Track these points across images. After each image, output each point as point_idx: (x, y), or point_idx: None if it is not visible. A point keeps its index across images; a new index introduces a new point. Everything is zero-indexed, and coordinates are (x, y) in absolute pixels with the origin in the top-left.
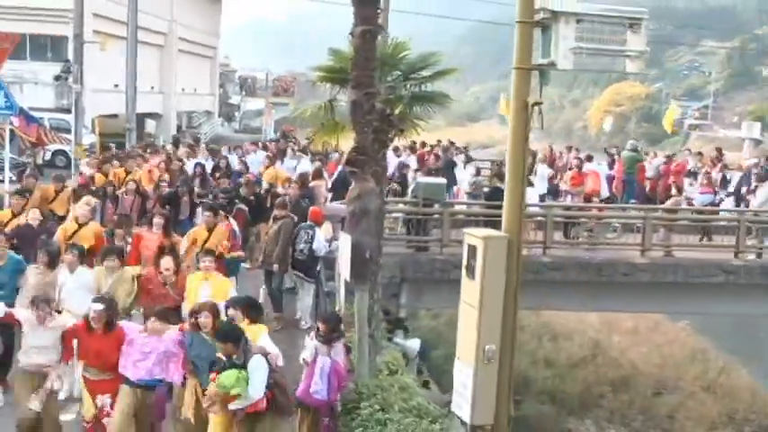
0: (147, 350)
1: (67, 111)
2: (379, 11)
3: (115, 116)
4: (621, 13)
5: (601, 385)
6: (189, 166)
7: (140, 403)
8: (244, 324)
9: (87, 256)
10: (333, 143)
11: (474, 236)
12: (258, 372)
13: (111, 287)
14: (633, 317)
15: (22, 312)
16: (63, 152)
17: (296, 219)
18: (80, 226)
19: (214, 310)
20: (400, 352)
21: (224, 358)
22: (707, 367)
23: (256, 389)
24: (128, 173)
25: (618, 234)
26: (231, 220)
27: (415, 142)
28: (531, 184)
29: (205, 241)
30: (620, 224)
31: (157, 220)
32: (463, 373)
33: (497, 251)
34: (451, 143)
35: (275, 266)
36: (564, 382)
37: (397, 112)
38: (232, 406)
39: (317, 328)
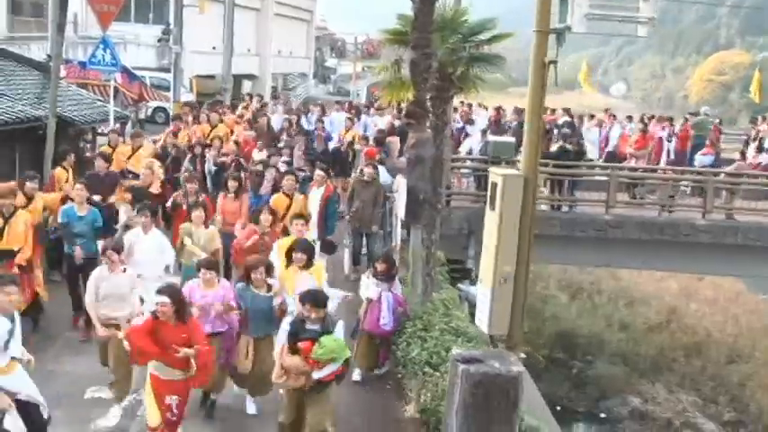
0: (207, 303)
1: (167, 70)
2: None
3: (212, 77)
4: None
5: (674, 350)
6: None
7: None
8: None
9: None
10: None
11: (496, 174)
12: (342, 338)
13: (204, 245)
14: (713, 286)
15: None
16: (163, 109)
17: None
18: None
19: (270, 266)
20: (463, 297)
21: (314, 326)
22: None
23: (347, 356)
24: (213, 127)
25: (680, 196)
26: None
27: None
28: (581, 151)
29: (288, 208)
30: (689, 186)
31: (232, 184)
32: (483, 293)
33: (515, 187)
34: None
35: (374, 228)
36: (637, 346)
37: (458, 72)
38: (318, 374)
39: (376, 268)
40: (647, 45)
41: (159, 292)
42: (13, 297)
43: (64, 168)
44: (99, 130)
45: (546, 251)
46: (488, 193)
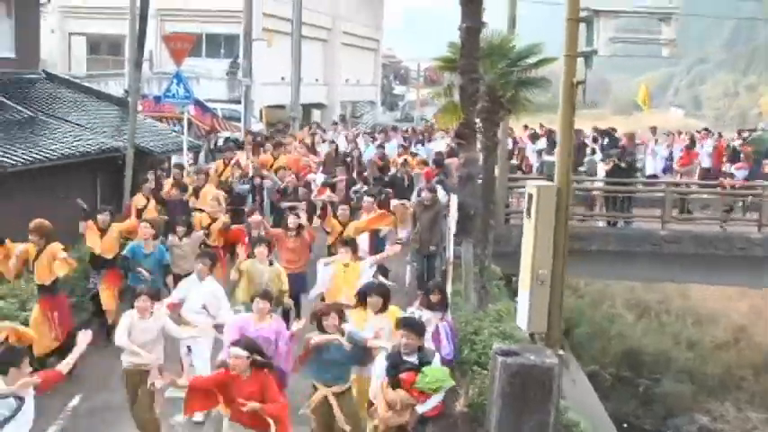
0: (261, 336)
1: (238, 102)
2: (482, 8)
3: (282, 107)
4: (654, 9)
5: (742, 368)
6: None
7: None
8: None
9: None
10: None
11: (531, 186)
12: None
13: (268, 283)
14: None
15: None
16: (234, 139)
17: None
18: (212, 220)
19: (341, 312)
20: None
21: (411, 358)
22: None
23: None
24: (275, 159)
25: (735, 210)
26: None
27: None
28: (634, 168)
29: (340, 234)
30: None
31: (293, 220)
32: (522, 294)
33: (548, 198)
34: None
35: (432, 249)
36: (705, 364)
37: (508, 95)
38: (422, 407)
39: (430, 299)
40: (719, 64)
41: (235, 344)
42: (25, 380)
43: (144, 196)
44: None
45: (603, 267)
46: (525, 204)
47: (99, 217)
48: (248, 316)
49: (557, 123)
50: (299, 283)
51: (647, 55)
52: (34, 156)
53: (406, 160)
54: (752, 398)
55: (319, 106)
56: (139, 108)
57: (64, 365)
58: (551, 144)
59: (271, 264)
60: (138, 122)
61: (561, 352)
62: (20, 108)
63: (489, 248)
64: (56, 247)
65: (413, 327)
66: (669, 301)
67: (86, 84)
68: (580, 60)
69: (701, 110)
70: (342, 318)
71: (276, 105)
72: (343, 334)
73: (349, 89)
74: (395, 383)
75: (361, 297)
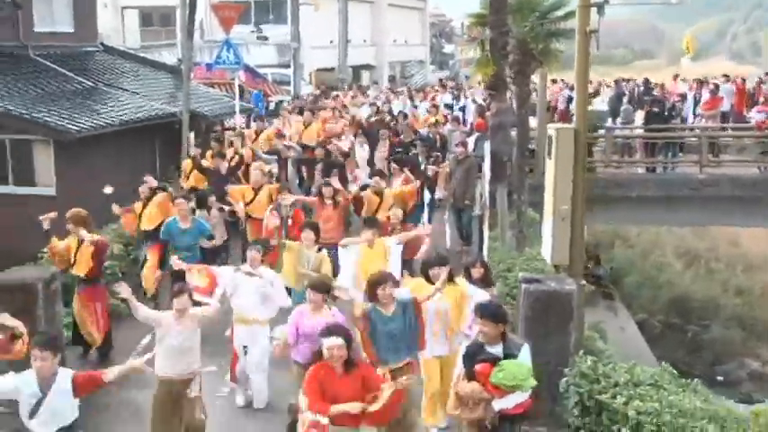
0: (312, 331)
1: (288, 66)
2: None
3: (331, 69)
4: None
5: None
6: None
7: None
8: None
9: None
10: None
11: (552, 128)
12: (530, 364)
13: (315, 266)
14: None
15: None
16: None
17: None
18: (255, 192)
19: (395, 281)
20: None
21: (494, 349)
22: None
23: (532, 384)
24: (306, 126)
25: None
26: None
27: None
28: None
29: (379, 205)
30: None
31: (327, 190)
32: (546, 229)
33: (567, 139)
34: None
35: (467, 203)
36: (754, 310)
37: (539, 47)
38: (499, 403)
39: (471, 275)
40: None
41: (329, 332)
42: (46, 363)
43: (191, 163)
44: (226, 125)
45: (643, 212)
46: (546, 145)
47: (140, 189)
48: (303, 308)
49: (649, 75)
50: (336, 255)
51: (654, 2)
52: (97, 122)
53: (436, 121)
54: None
55: (368, 68)
56: (192, 76)
57: (110, 373)
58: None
59: (319, 250)
60: (191, 89)
61: (583, 282)
62: (81, 79)
63: (525, 195)
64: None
65: (490, 314)
66: (718, 248)
67: (141, 54)
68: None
69: (760, 56)
70: (397, 286)
71: (325, 68)
72: (393, 300)
73: (397, 49)
74: (471, 375)
75: (424, 273)
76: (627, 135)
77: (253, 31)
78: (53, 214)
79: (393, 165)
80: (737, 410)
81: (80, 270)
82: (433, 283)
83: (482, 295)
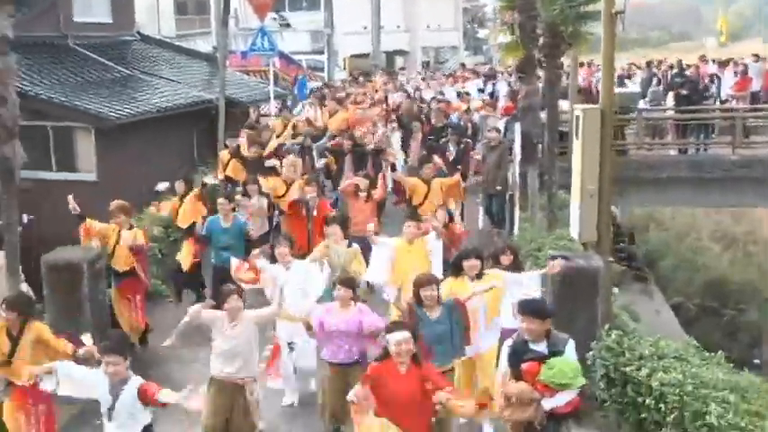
0: (341, 329)
1: (321, 52)
2: None
3: (365, 55)
4: None
5: None
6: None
7: (343, 384)
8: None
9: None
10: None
11: (578, 108)
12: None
13: (344, 265)
14: None
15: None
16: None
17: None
18: (288, 186)
19: (438, 282)
20: None
21: (538, 347)
22: None
23: (582, 383)
24: (331, 115)
25: None
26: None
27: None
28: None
29: (426, 195)
30: None
31: (361, 184)
32: (574, 207)
33: (593, 119)
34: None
35: (498, 188)
36: None
37: (569, 30)
38: (549, 402)
39: (500, 261)
40: None
41: (394, 327)
42: (118, 368)
43: (229, 153)
44: (262, 112)
45: (675, 194)
46: (573, 125)
47: (176, 185)
48: (330, 305)
49: (626, 58)
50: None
51: None
52: (136, 109)
53: (468, 108)
54: None
55: (401, 53)
56: (227, 63)
57: (163, 396)
58: (620, 78)
59: (349, 245)
60: (227, 76)
61: (611, 259)
62: (119, 68)
63: (556, 176)
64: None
65: (534, 310)
66: (757, 231)
67: (177, 43)
68: None
69: None
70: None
71: (359, 54)
72: (439, 302)
73: (430, 35)
74: (517, 374)
75: (456, 264)
76: (657, 117)
77: (275, 19)
78: (71, 200)
79: (423, 152)
80: (759, 382)
81: (118, 264)
82: (466, 275)
83: (528, 279)
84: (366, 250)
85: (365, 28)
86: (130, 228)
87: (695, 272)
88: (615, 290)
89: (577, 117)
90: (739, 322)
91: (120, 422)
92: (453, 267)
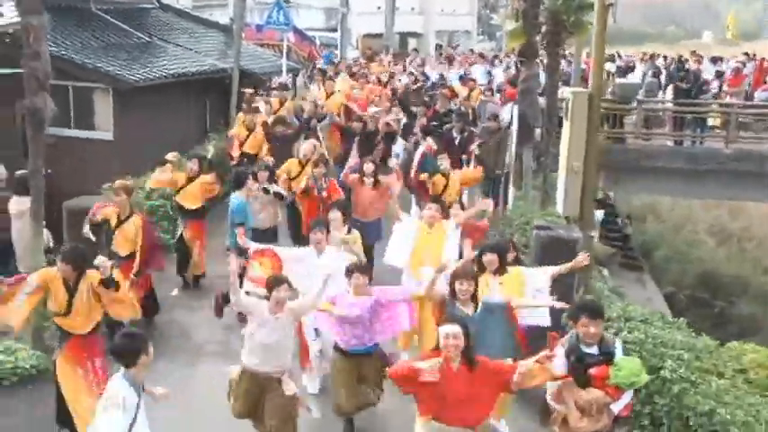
0: (356, 313)
1: (335, 30)
2: None
3: (379, 36)
4: None
5: None
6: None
7: (354, 373)
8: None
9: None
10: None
11: (568, 92)
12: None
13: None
14: None
15: (245, 300)
16: (333, 62)
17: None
18: (302, 166)
19: (476, 277)
20: None
21: (590, 349)
22: None
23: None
24: (329, 95)
25: None
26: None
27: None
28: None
29: (445, 187)
30: None
31: (368, 169)
32: (560, 184)
33: (581, 102)
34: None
35: (498, 172)
36: None
37: (571, 19)
38: (617, 406)
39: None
40: None
41: (449, 321)
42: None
43: (246, 128)
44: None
45: (669, 184)
46: (564, 107)
47: (188, 164)
48: (343, 292)
49: (630, 50)
50: (374, 232)
51: None
52: (153, 74)
53: (470, 94)
54: None
55: (415, 35)
56: (243, 36)
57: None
58: (622, 70)
59: (349, 231)
60: (241, 48)
61: (594, 233)
62: (138, 34)
63: (551, 159)
64: (138, 221)
65: (597, 311)
66: (753, 227)
67: (194, 14)
68: None
69: None
70: (477, 285)
71: (373, 34)
72: (477, 305)
73: (445, 19)
74: (585, 382)
75: (478, 260)
76: (654, 108)
77: None
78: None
79: (419, 131)
80: (714, 345)
81: (120, 248)
82: (486, 270)
83: (539, 276)
84: (368, 236)
85: (379, 8)
86: (130, 214)
87: (689, 263)
88: (605, 271)
89: (567, 100)
90: (729, 314)
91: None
92: (477, 263)
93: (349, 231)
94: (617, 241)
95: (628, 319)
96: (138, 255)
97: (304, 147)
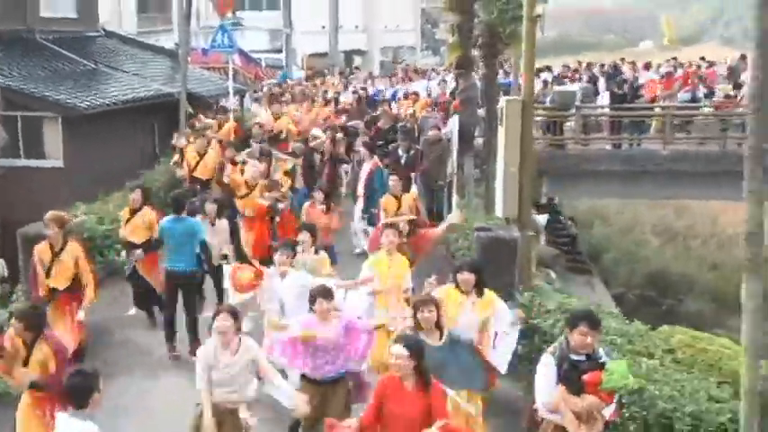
0: (323, 342)
1: (280, 51)
2: None
3: (324, 54)
4: None
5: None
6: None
7: (326, 401)
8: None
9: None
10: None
11: (502, 100)
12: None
13: (311, 269)
14: None
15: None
16: (279, 85)
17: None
18: (250, 189)
19: (439, 304)
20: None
21: (580, 357)
22: None
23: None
24: (276, 119)
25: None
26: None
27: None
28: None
29: (398, 209)
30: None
31: (318, 196)
32: (498, 187)
33: (515, 109)
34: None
35: (440, 183)
36: (728, 285)
37: (507, 31)
38: (608, 411)
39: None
40: None
41: (397, 341)
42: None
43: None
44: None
45: (610, 186)
46: (499, 114)
47: (131, 196)
48: (308, 318)
49: (570, 60)
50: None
51: None
52: (102, 100)
53: (414, 111)
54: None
55: (360, 53)
56: (189, 60)
57: None
58: (558, 78)
59: (317, 252)
60: (188, 71)
61: (532, 233)
62: (85, 61)
63: (493, 165)
64: (77, 249)
65: (597, 322)
66: (697, 226)
67: (140, 39)
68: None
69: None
70: (439, 309)
71: (318, 53)
72: (442, 332)
73: (389, 35)
74: (578, 389)
75: (454, 276)
76: (591, 113)
77: (234, 20)
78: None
79: (363, 150)
80: (645, 330)
81: (57, 282)
82: (463, 291)
83: (506, 311)
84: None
85: (323, 27)
86: (64, 243)
87: (637, 264)
88: (552, 274)
89: (501, 107)
90: (678, 311)
91: None
92: (453, 281)
93: (317, 253)
94: (564, 243)
95: (564, 311)
96: (85, 283)
97: (249, 170)
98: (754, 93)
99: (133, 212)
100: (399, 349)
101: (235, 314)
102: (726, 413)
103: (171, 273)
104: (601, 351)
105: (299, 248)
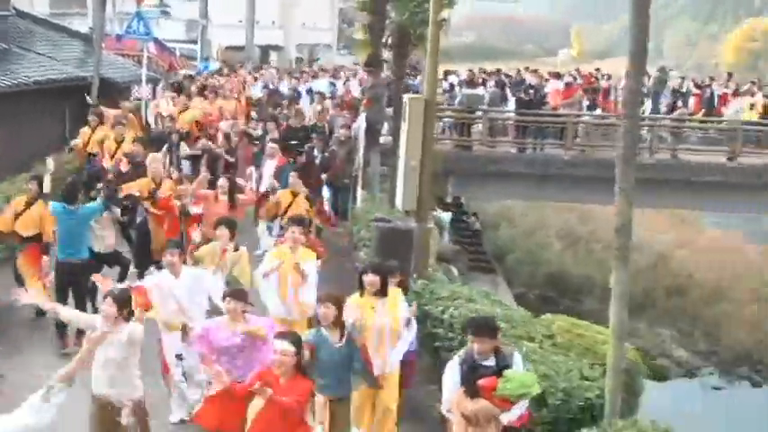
0: (231, 344)
1: (195, 42)
2: None
3: (241, 48)
4: None
5: (656, 291)
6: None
7: None
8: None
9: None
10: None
11: (406, 98)
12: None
13: (231, 268)
14: (710, 239)
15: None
16: (191, 76)
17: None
18: (156, 186)
19: (340, 300)
20: (435, 220)
21: (488, 362)
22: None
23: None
24: (184, 110)
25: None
26: None
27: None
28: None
29: (289, 206)
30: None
31: (222, 183)
32: (399, 181)
33: (418, 106)
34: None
35: (345, 181)
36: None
37: (417, 32)
38: (507, 416)
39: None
40: (682, 10)
41: (281, 336)
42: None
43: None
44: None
45: (515, 188)
46: (402, 111)
47: (28, 186)
48: (218, 319)
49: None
50: None
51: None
52: (12, 81)
53: (323, 108)
54: (662, 316)
55: (276, 48)
56: (103, 45)
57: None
58: (470, 82)
59: (236, 249)
60: (102, 57)
61: (431, 225)
62: None
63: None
64: None
65: (483, 329)
66: (600, 231)
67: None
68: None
69: (663, 57)
70: (340, 307)
71: (234, 47)
72: (343, 330)
73: (306, 32)
74: (473, 392)
75: (359, 281)
76: (498, 117)
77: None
78: None
79: (270, 145)
80: (528, 316)
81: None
82: (371, 294)
83: (405, 310)
84: None
85: (240, 21)
86: None
87: (538, 265)
88: (454, 270)
89: (405, 104)
90: (577, 310)
91: None
92: (358, 284)
93: (236, 249)
94: (467, 238)
95: (455, 299)
96: None
97: (151, 169)
98: (625, 100)
99: (28, 204)
100: (285, 345)
101: (120, 300)
102: (594, 390)
103: (62, 263)
104: (516, 357)
105: (218, 244)
